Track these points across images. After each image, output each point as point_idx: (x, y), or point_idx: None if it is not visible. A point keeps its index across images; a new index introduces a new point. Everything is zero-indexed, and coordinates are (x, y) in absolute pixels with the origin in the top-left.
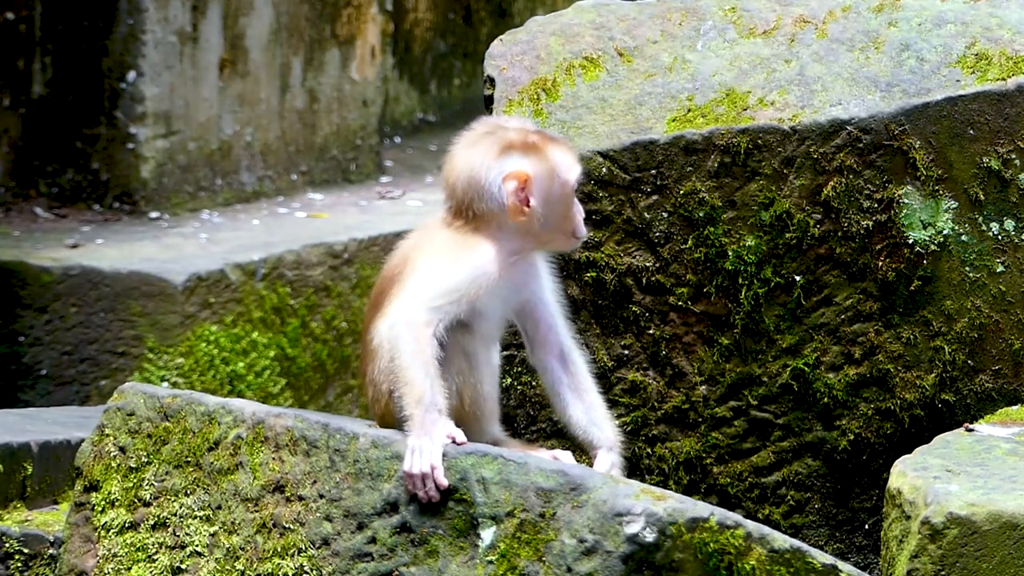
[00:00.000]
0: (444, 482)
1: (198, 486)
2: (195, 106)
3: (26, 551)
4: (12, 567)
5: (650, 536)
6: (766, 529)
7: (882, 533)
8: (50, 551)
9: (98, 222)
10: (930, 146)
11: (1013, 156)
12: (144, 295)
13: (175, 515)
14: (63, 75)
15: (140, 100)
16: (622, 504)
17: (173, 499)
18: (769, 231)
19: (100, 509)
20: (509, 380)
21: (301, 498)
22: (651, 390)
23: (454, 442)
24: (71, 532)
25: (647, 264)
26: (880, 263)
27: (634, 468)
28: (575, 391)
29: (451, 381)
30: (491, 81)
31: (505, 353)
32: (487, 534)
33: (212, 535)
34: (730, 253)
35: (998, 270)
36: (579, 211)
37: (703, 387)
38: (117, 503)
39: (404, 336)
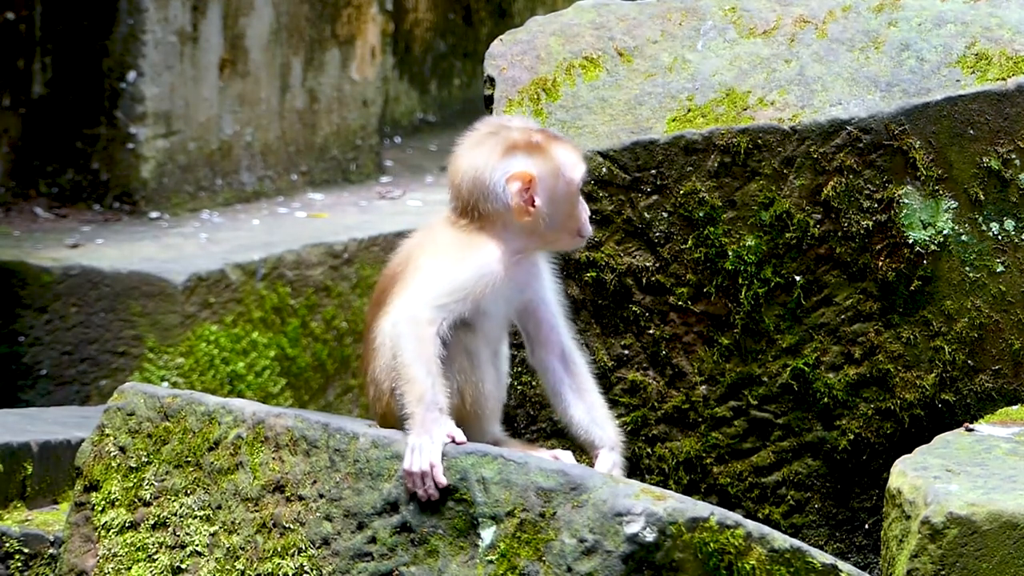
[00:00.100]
0: (443, 480)
1: (198, 486)
2: (195, 106)
3: (26, 551)
4: (12, 567)
5: (650, 536)
6: (766, 529)
7: (882, 533)
8: (50, 551)
9: (98, 222)
10: (930, 146)
11: (1013, 156)
12: (144, 295)
13: (175, 515)
14: (63, 75)
15: (140, 100)
16: (622, 504)
17: (173, 499)
18: (769, 231)
19: (100, 509)
20: (509, 380)
21: (301, 498)
22: (651, 390)
23: (454, 441)
24: (71, 532)
25: (647, 264)
26: (880, 263)
27: (634, 468)
28: (576, 391)
29: (452, 380)
30: (491, 81)
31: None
32: (487, 534)
33: (212, 535)
34: (730, 253)
35: (998, 270)
36: (584, 210)
37: (703, 387)
38: (117, 503)
39: (407, 334)
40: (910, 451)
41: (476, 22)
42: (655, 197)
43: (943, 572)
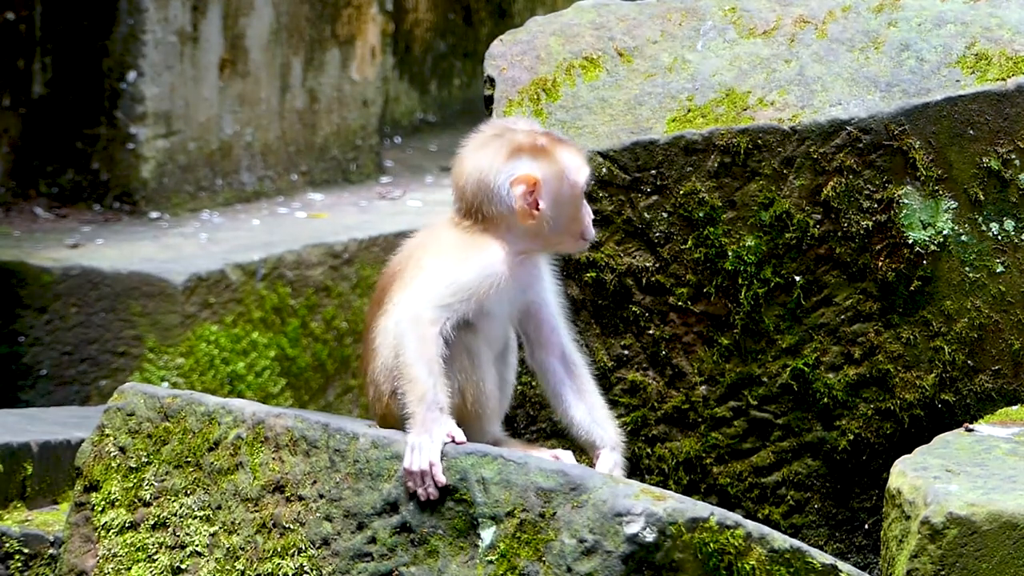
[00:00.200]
0: (443, 479)
1: (198, 486)
2: (195, 106)
3: (26, 551)
4: (12, 567)
5: (650, 536)
6: (766, 529)
7: (882, 533)
8: (50, 551)
9: (98, 222)
10: (930, 146)
11: (1013, 156)
12: (144, 295)
13: (175, 515)
14: (63, 75)
15: (140, 100)
16: (622, 504)
17: (173, 499)
18: (769, 231)
19: (100, 509)
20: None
21: (301, 498)
22: (651, 390)
23: (454, 441)
24: (71, 532)
25: (647, 264)
26: (880, 263)
27: (634, 468)
28: (577, 392)
29: (453, 380)
30: (491, 81)
31: None
32: (487, 534)
33: (212, 535)
34: (730, 253)
35: (998, 270)
36: (588, 213)
37: (703, 387)
38: (117, 503)
39: (409, 333)
40: (910, 451)
41: (476, 22)
42: (655, 197)
43: (943, 572)
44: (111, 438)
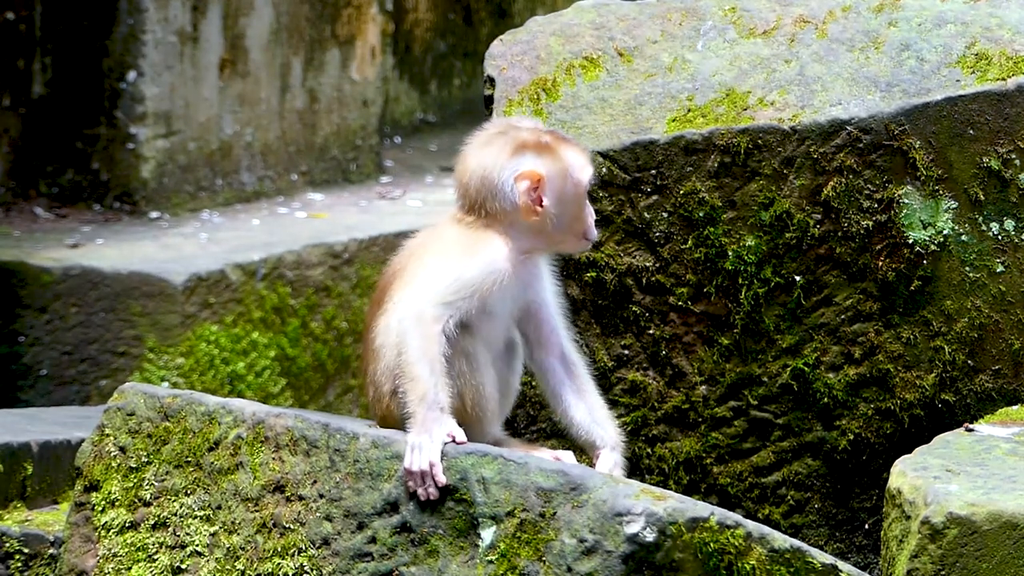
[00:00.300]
0: (443, 479)
1: (198, 486)
2: (195, 106)
3: (26, 551)
4: (12, 567)
5: (650, 536)
6: (766, 529)
7: (882, 533)
8: (50, 551)
9: (98, 222)
10: (930, 146)
11: (1013, 156)
12: (144, 295)
13: (175, 515)
14: (63, 75)
15: (140, 100)
16: (622, 504)
17: (173, 499)
18: (769, 231)
19: (100, 509)
20: None
21: (301, 498)
22: (651, 390)
23: (454, 441)
24: (71, 532)
25: (647, 264)
26: (880, 263)
27: (634, 468)
28: (577, 392)
29: (454, 380)
30: (491, 81)
31: None
32: (487, 534)
33: (212, 535)
34: (730, 253)
35: (998, 270)
36: (590, 213)
37: (703, 387)
38: (117, 503)
39: (412, 331)
40: (910, 451)
41: (476, 22)
42: (655, 197)
43: (943, 572)
44: (111, 438)
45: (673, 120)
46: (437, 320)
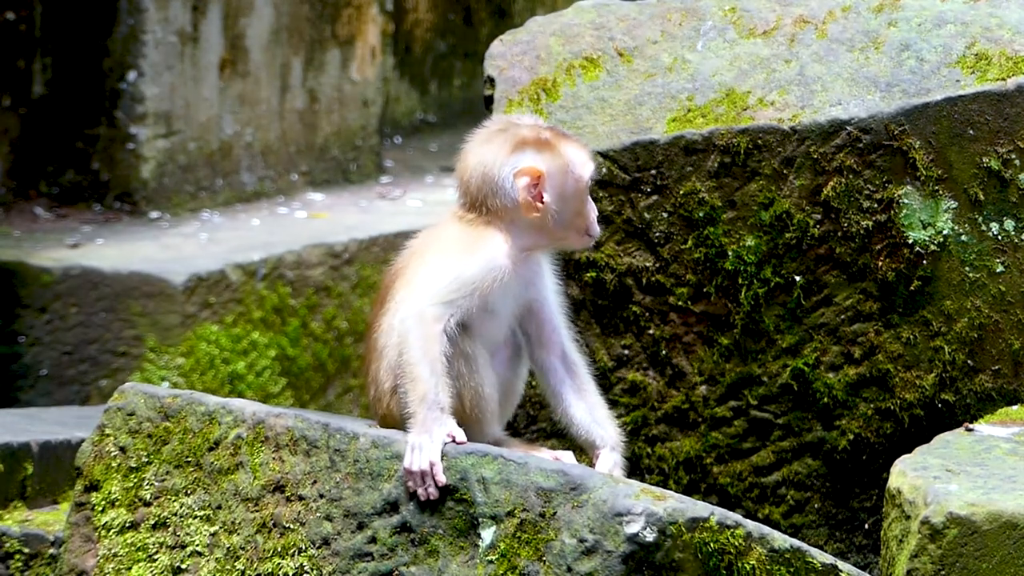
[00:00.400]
0: (443, 479)
1: (198, 486)
2: (195, 106)
3: (26, 551)
4: (12, 567)
5: (650, 536)
6: (766, 529)
7: (882, 533)
8: (50, 551)
9: (98, 222)
10: (930, 146)
11: (1013, 156)
12: (144, 295)
13: (175, 515)
14: (63, 75)
15: (140, 100)
16: (622, 504)
17: (173, 499)
18: (769, 231)
19: (100, 509)
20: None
21: (301, 498)
22: (651, 390)
23: (454, 441)
24: (71, 532)
25: (647, 264)
26: (880, 263)
27: (634, 468)
28: (577, 391)
29: (453, 381)
30: (491, 81)
31: None
32: (487, 534)
33: (212, 535)
34: (730, 253)
35: (998, 270)
36: (592, 209)
37: (703, 387)
38: (117, 503)
39: (414, 332)
40: (910, 451)
41: (476, 22)
42: (655, 197)
43: (943, 572)
44: (111, 438)
45: (673, 120)
46: (438, 320)
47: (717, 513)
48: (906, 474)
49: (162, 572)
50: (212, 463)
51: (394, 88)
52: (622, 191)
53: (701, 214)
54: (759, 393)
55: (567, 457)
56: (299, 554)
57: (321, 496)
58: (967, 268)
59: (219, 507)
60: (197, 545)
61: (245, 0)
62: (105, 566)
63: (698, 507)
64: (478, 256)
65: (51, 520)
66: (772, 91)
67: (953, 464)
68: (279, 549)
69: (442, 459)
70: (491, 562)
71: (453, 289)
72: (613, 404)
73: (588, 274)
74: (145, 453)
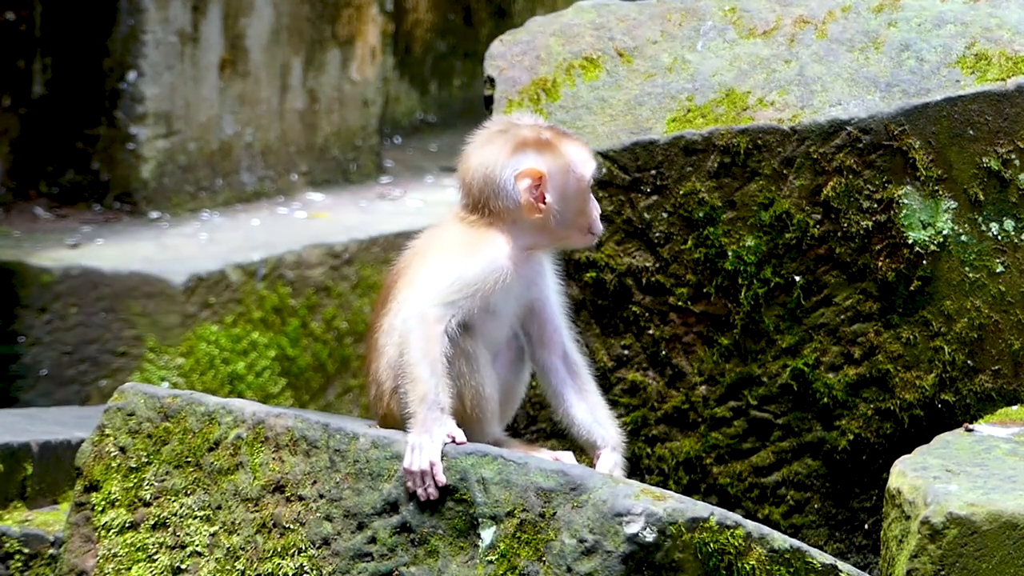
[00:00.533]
0: (443, 479)
1: (198, 486)
2: (195, 106)
3: (26, 551)
4: (12, 567)
5: (650, 536)
6: (766, 529)
7: (882, 533)
8: (50, 551)
9: (98, 222)
10: (930, 146)
11: (1013, 156)
12: (144, 295)
13: (175, 515)
14: (63, 75)
15: (140, 100)
16: (622, 504)
17: (173, 499)
18: (769, 231)
19: (100, 509)
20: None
21: (301, 498)
22: (651, 390)
23: (454, 441)
24: (71, 532)
25: (647, 264)
26: (880, 263)
27: (634, 468)
28: (578, 392)
29: (454, 381)
30: (491, 81)
31: None
32: (487, 534)
33: (212, 535)
34: (730, 253)
35: (998, 270)
36: (595, 207)
37: (703, 387)
38: (117, 503)
39: (415, 332)
40: (910, 451)
41: (476, 22)
42: (655, 197)
43: (943, 572)
44: (111, 438)
45: (673, 120)
46: (439, 320)
47: (717, 513)
48: (906, 474)
49: (162, 572)
50: (212, 463)
51: (394, 88)
52: (622, 191)
53: (701, 214)
54: (759, 393)
55: (567, 457)
56: (299, 554)
57: (321, 496)
58: (967, 268)
59: (219, 507)
60: (197, 545)
61: (245, 0)
62: (105, 566)
63: (698, 507)
64: (480, 257)
65: (51, 520)
66: (772, 91)
67: (953, 464)
68: (279, 549)
69: (442, 459)
70: (491, 562)
71: (455, 290)
72: (613, 404)
73: (588, 274)
74: (145, 453)
